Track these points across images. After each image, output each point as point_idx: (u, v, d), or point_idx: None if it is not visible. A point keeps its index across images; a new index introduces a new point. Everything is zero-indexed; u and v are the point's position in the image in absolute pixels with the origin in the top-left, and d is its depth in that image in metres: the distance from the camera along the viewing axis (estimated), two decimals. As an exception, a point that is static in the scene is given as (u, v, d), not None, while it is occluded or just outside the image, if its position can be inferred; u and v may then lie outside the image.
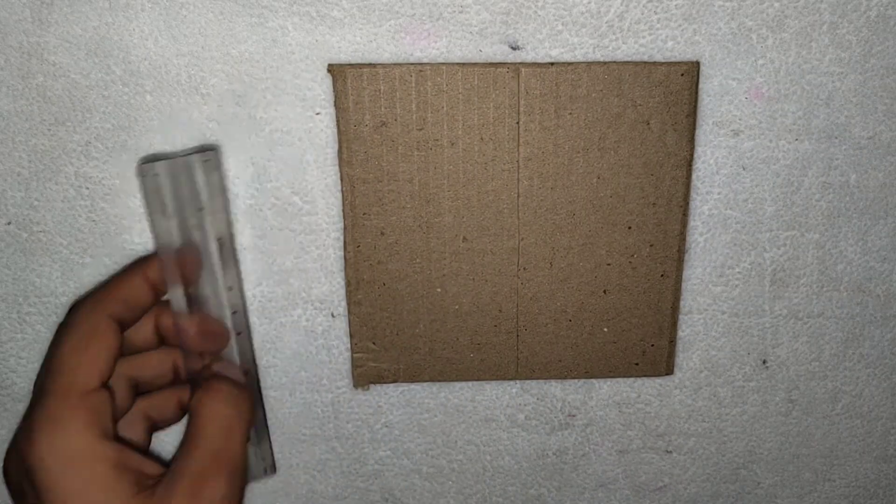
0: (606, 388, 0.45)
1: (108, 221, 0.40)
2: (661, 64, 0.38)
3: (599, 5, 0.37)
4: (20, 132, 0.39)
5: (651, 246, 0.41)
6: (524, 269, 0.41)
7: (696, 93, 0.38)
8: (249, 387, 0.37)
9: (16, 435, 0.34)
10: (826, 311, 0.44)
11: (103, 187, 0.40)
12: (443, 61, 0.38)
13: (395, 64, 0.37)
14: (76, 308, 0.36)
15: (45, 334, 0.43)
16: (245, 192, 0.40)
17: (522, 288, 0.42)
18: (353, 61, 0.38)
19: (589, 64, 0.37)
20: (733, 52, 0.38)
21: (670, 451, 0.47)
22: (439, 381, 0.43)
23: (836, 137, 0.40)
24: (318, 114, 0.38)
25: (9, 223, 0.41)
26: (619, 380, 0.44)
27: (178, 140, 0.39)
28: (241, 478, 0.34)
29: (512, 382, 0.45)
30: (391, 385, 0.44)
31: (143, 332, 0.37)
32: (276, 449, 0.45)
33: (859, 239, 0.42)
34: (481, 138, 0.38)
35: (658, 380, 0.45)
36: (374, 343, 0.42)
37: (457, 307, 0.42)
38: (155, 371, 0.38)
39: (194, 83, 0.38)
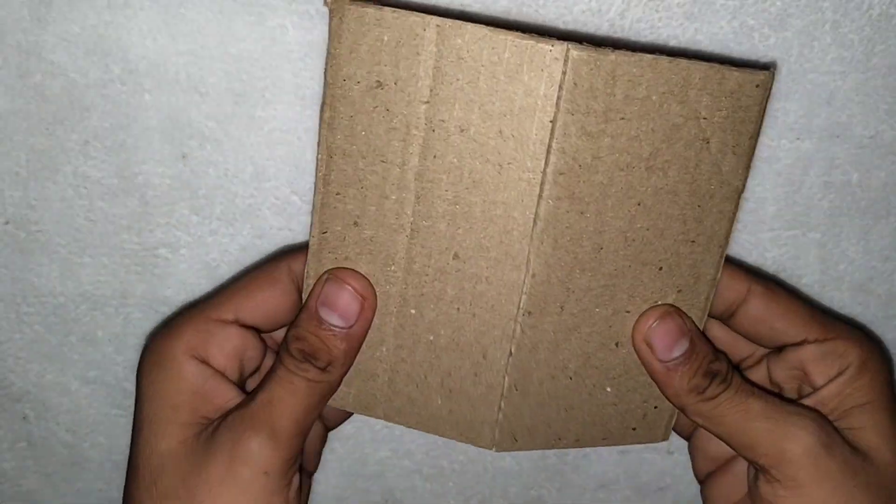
0: (607, 388, 0.45)
1: (107, 221, 0.40)
2: (735, 69, 0.30)
3: (600, 4, 0.37)
4: (18, 131, 0.39)
5: (679, 291, 0.34)
6: (528, 312, 0.32)
7: (765, 110, 0.32)
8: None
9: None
10: (828, 310, 0.44)
11: (102, 187, 0.40)
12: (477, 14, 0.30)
13: (409, 10, 0.29)
14: (274, 255, 0.36)
15: (44, 334, 0.43)
16: (243, 192, 0.40)
17: (521, 334, 0.33)
18: None
19: (655, 58, 0.29)
20: (735, 51, 0.38)
21: (672, 452, 0.46)
22: (394, 421, 0.35)
23: (838, 136, 0.40)
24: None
25: (7, 223, 0.40)
26: None
27: (178, 139, 0.39)
28: (288, 447, 0.32)
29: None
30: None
31: None
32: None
33: (861, 238, 0.42)
34: (500, 132, 0.30)
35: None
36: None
37: (431, 338, 0.34)
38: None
39: (193, 82, 0.38)
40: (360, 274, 0.33)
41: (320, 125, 0.31)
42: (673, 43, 0.38)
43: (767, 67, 0.34)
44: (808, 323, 0.35)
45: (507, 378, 0.34)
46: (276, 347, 0.36)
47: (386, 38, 0.29)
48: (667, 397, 0.34)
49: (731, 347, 0.38)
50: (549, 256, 0.32)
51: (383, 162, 0.31)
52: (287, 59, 0.37)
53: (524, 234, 0.31)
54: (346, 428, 0.45)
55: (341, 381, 0.34)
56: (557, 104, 0.29)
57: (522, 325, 0.33)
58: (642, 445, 0.46)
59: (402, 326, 0.34)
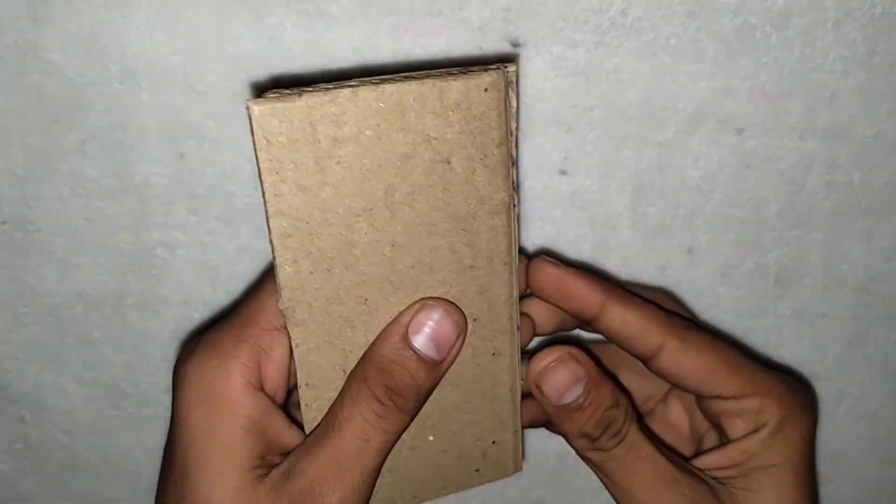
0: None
1: (104, 221, 0.40)
2: (457, 77, 0.27)
3: (601, 2, 0.37)
4: (15, 130, 0.38)
5: (475, 320, 0.31)
6: (306, 384, 0.31)
7: (508, 112, 0.29)
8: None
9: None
10: (830, 311, 0.44)
11: (99, 186, 0.39)
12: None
13: (321, 90, 0.27)
14: None
15: (41, 335, 0.43)
16: (242, 192, 0.40)
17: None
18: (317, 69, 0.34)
19: (354, 90, 0.27)
20: (737, 49, 0.38)
21: (673, 454, 0.46)
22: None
23: (841, 136, 0.40)
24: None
25: (3, 222, 0.40)
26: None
27: (175, 138, 0.39)
28: (362, 499, 0.29)
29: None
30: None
31: None
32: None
33: (864, 238, 0.42)
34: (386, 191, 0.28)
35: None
36: None
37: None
38: None
39: (191, 81, 0.38)
40: (453, 310, 0.30)
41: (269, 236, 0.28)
42: (673, 41, 0.37)
43: (511, 60, 0.30)
44: (724, 379, 0.33)
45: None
46: None
47: (299, 134, 0.27)
48: (563, 435, 0.33)
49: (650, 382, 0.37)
50: (309, 324, 0.29)
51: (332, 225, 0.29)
52: (286, 57, 0.37)
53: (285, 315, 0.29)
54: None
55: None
56: (257, 165, 0.27)
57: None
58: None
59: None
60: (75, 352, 0.43)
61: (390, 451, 0.30)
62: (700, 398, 0.35)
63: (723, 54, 0.38)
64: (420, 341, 0.29)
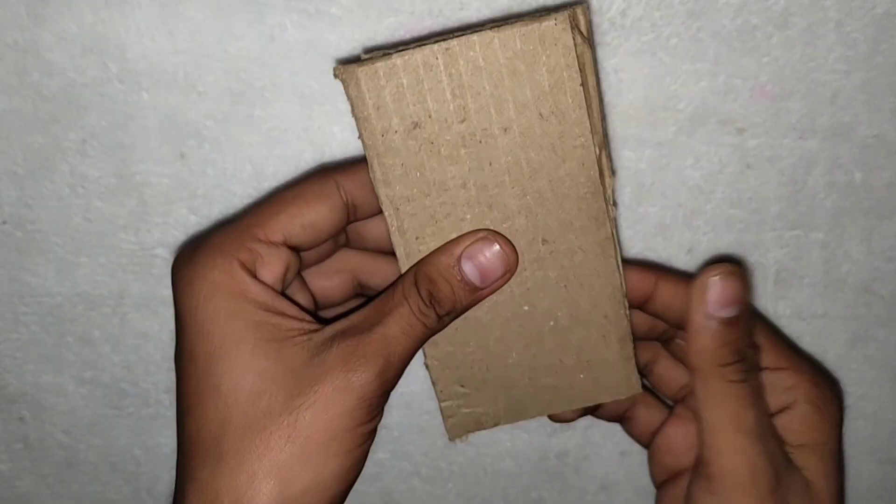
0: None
1: (104, 220, 0.40)
2: (535, 21, 0.30)
3: (601, 2, 0.37)
4: (15, 130, 0.38)
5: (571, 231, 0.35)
6: (622, 258, 0.34)
7: (586, 58, 0.31)
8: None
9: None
10: (830, 311, 0.44)
11: (99, 186, 0.40)
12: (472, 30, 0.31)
13: (415, 47, 0.30)
14: (317, 171, 0.35)
15: (40, 335, 0.43)
16: (242, 191, 0.40)
17: (624, 281, 0.35)
18: (360, 52, 0.35)
19: (445, 44, 0.30)
20: (738, 49, 0.38)
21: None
22: (547, 413, 0.37)
23: (842, 136, 0.40)
24: None
25: (3, 222, 0.40)
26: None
27: (176, 138, 0.39)
28: (390, 384, 0.31)
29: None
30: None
31: (379, 231, 0.35)
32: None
33: (865, 239, 0.42)
34: (540, 114, 0.31)
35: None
36: (462, 386, 0.36)
37: (552, 323, 0.35)
38: (384, 280, 0.36)
39: (191, 81, 0.38)
40: (508, 246, 0.33)
41: (375, 184, 0.32)
42: (674, 41, 0.37)
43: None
44: (761, 349, 0.34)
45: (629, 324, 0.35)
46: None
47: (405, 82, 0.31)
48: (687, 352, 0.34)
49: None
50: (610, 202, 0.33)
51: (446, 190, 0.32)
52: (286, 57, 0.37)
53: (596, 192, 0.33)
54: (345, 429, 0.45)
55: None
56: (581, 66, 0.31)
57: (621, 272, 0.34)
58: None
59: (522, 326, 0.35)
60: (75, 351, 0.43)
61: (422, 344, 0.32)
62: None
63: (724, 54, 0.38)
64: (468, 267, 0.32)
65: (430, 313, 0.32)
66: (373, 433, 0.31)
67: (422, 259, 0.33)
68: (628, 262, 0.35)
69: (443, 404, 0.36)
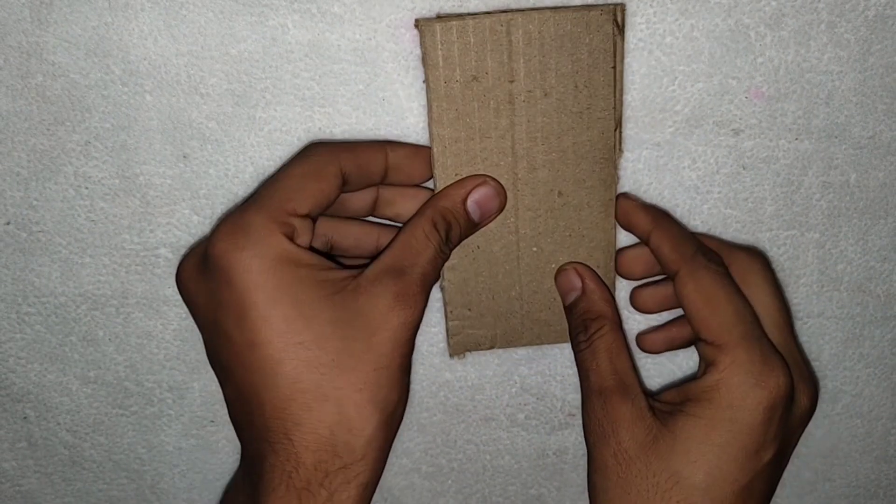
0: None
1: (108, 221, 0.40)
2: (584, 9, 0.36)
3: (596, 1, 0.37)
4: (19, 132, 0.39)
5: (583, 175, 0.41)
6: (616, 220, 0.40)
7: (618, 46, 0.37)
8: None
9: (195, 246, 0.37)
10: (826, 310, 0.44)
11: (103, 187, 0.40)
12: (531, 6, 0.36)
13: (484, 14, 0.36)
14: (313, 146, 0.37)
15: (45, 334, 0.43)
16: (244, 192, 0.40)
17: (614, 241, 0.41)
18: (431, 15, 0.37)
19: (510, 15, 0.36)
20: (732, 49, 0.38)
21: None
22: (537, 344, 0.43)
23: (836, 137, 0.40)
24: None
25: (8, 223, 0.40)
26: None
27: (179, 140, 0.39)
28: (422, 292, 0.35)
29: (511, 382, 0.45)
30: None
31: (358, 202, 0.39)
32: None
33: (859, 239, 0.42)
34: (576, 86, 0.37)
35: (658, 379, 0.45)
36: (469, 309, 0.41)
37: (553, 266, 0.41)
38: (356, 241, 0.40)
39: (194, 83, 0.38)
40: (502, 190, 0.39)
41: (429, 123, 0.37)
42: (668, 39, 0.38)
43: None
44: (706, 321, 0.37)
45: (615, 275, 0.41)
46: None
47: (472, 41, 0.36)
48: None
49: None
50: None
51: (488, 138, 0.38)
52: (287, 59, 0.37)
53: (610, 158, 0.38)
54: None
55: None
56: (614, 53, 0.36)
57: (616, 230, 0.40)
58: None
59: (529, 264, 0.40)
60: (79, 351, 0.43)
61: (437, 269, 0.36)
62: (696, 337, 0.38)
63: (719, 54, 0.38)
64: (471, 204, 0.38)
65: (446, 249, 0.37)
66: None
67: (437, 193, 0.38)
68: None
69: (450, 323, 0.41)
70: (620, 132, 0.38)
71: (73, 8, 0.36)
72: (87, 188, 0.40)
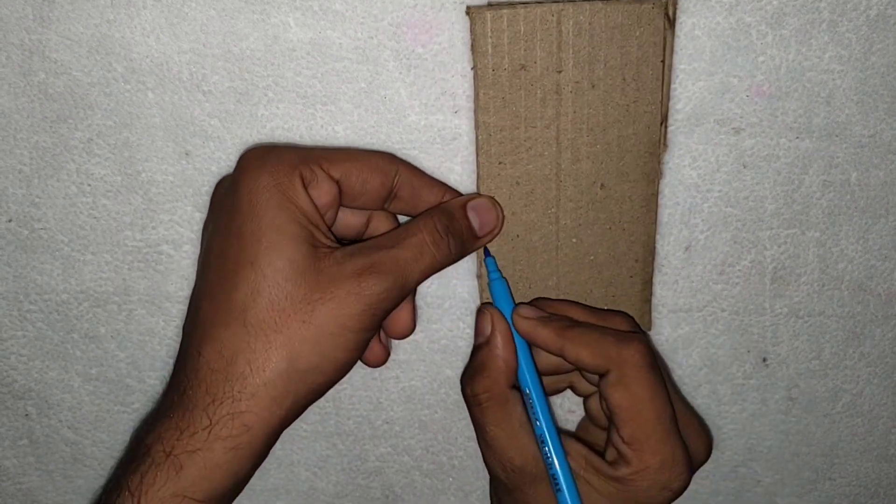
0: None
1: (110, 219, 0.41)
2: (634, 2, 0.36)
3: None
4: (21, 129, 0.39)
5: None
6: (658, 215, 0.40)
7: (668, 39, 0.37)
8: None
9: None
10: (827, 309, 0.44)
11: (105, 184, 0.40)
12: None
13: (535, 3, 0.36)
14: (386, 152, 0.38)
15: (47, 331, 0.43)
16: (246, 189, 0.40)
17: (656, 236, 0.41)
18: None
19: (561, 6, 0.36)
20: (733, 47, 0.38)
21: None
22: None
23: (837, 135, 0.40)
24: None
25: (10, 220, 0.41)
26: None
27: (181, 137, 0.39)
28: (400, 291, 0.35)
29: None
30: (391, 381, 0.44)
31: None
32: (276, 445, 0.45)
33: (860, 237, 0.42)
34: (623, 79, 0.37)
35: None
36: None
37: (592, 258, 0.41)
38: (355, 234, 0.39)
39: (196, 80, 0.38)
40: (500, 208, 0.39)
41: (475, 109, 0.37)
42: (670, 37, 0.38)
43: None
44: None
45: (653, 271, 0.41)
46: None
47: (522, 30, 0.36)
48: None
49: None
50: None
51: (533, 128, 0.38)
52: (289, 57, 0.38)
53: (654, 153, 0.39)
54: (347, 424, 0.45)
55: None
56: (664, 47, 0.37)
57: (657, 224, 0.41)
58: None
59: (567, 255, 0.41)
60: (81, 348, 0.43)
61: (430, 274, 0.36)
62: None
63: (720, 52, 0.38)
64: (472, 216, 0.38)
65: (443, 245, 0.36)
66: (367, 343, 0.35)
67: (442, 204, 0.38)
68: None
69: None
70: (665, 127, 0.39)
71: (76, 6, 0.37)
72: (89, 185, 0.40)
